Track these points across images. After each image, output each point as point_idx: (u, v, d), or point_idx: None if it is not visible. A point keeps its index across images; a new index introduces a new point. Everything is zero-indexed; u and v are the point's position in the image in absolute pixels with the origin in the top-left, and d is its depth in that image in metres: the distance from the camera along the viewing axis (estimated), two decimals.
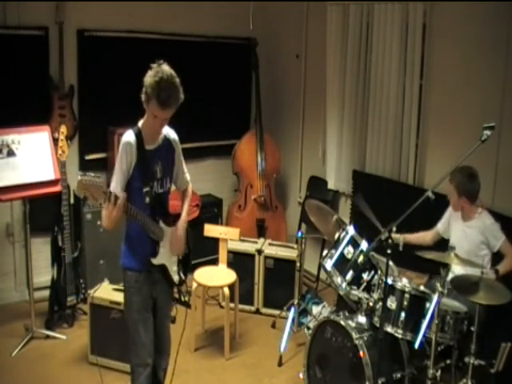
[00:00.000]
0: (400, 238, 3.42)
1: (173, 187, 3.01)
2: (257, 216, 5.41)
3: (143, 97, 2.61)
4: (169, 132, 2.86)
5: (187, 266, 3.09)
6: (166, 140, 2.83)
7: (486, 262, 3.29)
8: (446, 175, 3.06)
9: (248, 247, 4.70)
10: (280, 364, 3.95)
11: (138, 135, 2.69)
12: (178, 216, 2.98)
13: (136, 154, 2.67)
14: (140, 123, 2.74)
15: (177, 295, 4.36)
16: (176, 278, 2.97)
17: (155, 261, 2.80)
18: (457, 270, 3.32)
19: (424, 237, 3.70)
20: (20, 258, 4.60)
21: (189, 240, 3.07)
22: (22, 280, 4.65)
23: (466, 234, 3.37)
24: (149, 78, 2.56)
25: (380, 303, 3.09)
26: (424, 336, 3.01)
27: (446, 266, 3.04)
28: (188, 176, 3.08)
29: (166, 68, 2.58)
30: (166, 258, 2.88)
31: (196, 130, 5.44)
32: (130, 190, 2.69)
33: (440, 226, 3.64)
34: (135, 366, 2.88)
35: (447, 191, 3.37)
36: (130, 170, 2.68)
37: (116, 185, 2.65)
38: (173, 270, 2.95)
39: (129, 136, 2.68)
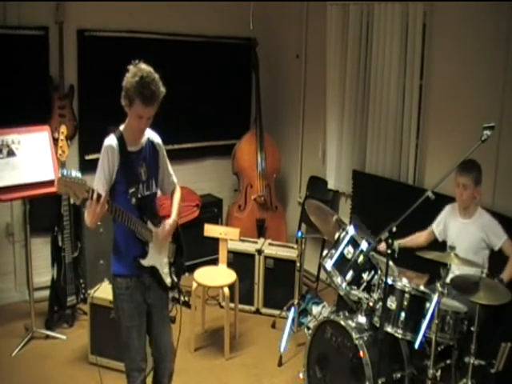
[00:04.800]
0: (395, 245, 3.44)
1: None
2: (257, 216, 5.42)
3: (124, 101, 2.61)
4: (152, 135, 2.85)
5: (180, 268, 3.02)
6: (150, 142, 2.82)
7: (484, 261, 3.29)
8: (446, 175, 3.05)
9: (248, 247, 4.70)
10: (280, 364, 3.95)
11: (120, 138, 2.68)
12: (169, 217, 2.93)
13: (118, 156, 2.66)
14: (122, 127, 2.73)
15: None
16: (168, 280, 2.91)
17: (145, 262, 2.76)
18: (454, 270, 3.32)
19: (417, 238, 3.67)
20: (20, 258, 4.60)
21: (181, 241, 3.03)
22: (22, 280, 4.65)
23: (466, 231, 3.38)
24: (128, 79, 2.57)
25: (380, 303, 3.09)
26: (424, 336, 3.01)
27: (446, 266, 3.04)
28: (175, 178, 3.03)
29: (143, 66, 2.59)
30: (156, 259, 2.83)
31: (196, 130, 5.45)
32: (116, 194, 2.68)
33: (435, 226, 3.62)
34: (130, 371, 2.85)
35: (459, 185, 3.33)
36: (112, 174, 2.66)
37: (97, 185, 2.63)
38: (164, 272, 2.89)
39: (110, 140, 2.68)
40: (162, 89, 2.63)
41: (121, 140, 2.68)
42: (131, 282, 2.77)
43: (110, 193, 2.65)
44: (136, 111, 2.60)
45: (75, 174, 2.39)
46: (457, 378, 3.08)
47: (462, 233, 3.39)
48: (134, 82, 2.54)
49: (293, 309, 4.13)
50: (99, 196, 2.46)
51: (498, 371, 2.94)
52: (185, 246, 3.06)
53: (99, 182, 2.64)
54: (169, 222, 2.87)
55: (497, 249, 3.32)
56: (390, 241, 2.86)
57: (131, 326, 2.79)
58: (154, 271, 2.83)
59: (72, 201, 4.29)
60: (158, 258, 2.85)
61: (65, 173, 2.36)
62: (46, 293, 4.30)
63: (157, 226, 2.83)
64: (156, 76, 2.61)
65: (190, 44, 5.30)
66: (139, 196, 2.73)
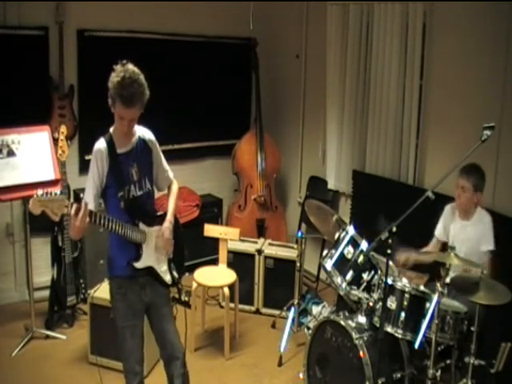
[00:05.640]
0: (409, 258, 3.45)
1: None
2: (257, 216, 5.41)
3: (109, 101, 2.59)
4: (144, 132, 2.80)
5: (181, 263, 2.98)
6: (141, 140, 2.77)
7: (485, 258, 3.29)
8: (446, 175, 3.04)
9: (248, 247, 4.70)
10: (280, 364, 3.95)
11: (109, 141, 2.66)
12: (166, 214, 2.89)
13: (108, 159, 2.64)
14: (111, 128, 2.72)
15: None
16: (168, 277, 2.86)
17: (138, 264, 2.72)
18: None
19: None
20: (20, 258, 4.61)
21: (180, 237, 2.97)
22: (22, 280, 4.65)
23: (465, 233, 3.37)
24: (112, 78, 2.55)
25: (380, 303, 3.09)
26: (424, 336, 3.01)
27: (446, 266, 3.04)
28: (171, 174, 2.99)
29: (129, 67, 2.56)
30: (152, 259, 2.79)
31: (196, 130, 5.46)
32: (107, 197, 2.67)
33: (437, 233, 3.61)
34: (126, 372, 2.83)
35: (458, 187, 3.33)
36: (103, 178, 2.64)
37: (87, 194, 2.63)
38: (162, 270, 2.84)
39: (99, 143, 2.67)
40: (146, 91, 2.57)
41: (110, 142, 2.66)
42: (125, 282, 2.75)
43: (102, 198, 2.67)
44: (117, 112, 2.59)
45: (53, 192, 2.35)
46: (457, 378, 3.08)
47: (462, 235, 3.39)
48: (115, 82, 2.52)
49: (293, 309, 4.13)
50: (78, 209, 2.40)
51: (498, 371, 2.94)
52: (184, 241, 3.02)
53: (89, 191, 2.64)
54: (165, 227, 2.82)
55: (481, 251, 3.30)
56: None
57: (124, 327, 2.77)
58: (150, 271, 2.80)
59: (72, 200, 4.28)
60: (155, 258, 2.81)
61: (39, 193, 2.32)
62: (46, 293, 4.30)
63: (151, 225, 2.79)
64: (140, 77, 2.56)
65: (190, 44, 5.30)
66: (131, 197, 2.69)
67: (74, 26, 4.61)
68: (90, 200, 2.59)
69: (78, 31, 4.65)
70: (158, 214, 2.90)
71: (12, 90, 4.34)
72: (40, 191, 2.32)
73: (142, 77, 2.57)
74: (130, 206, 2.69)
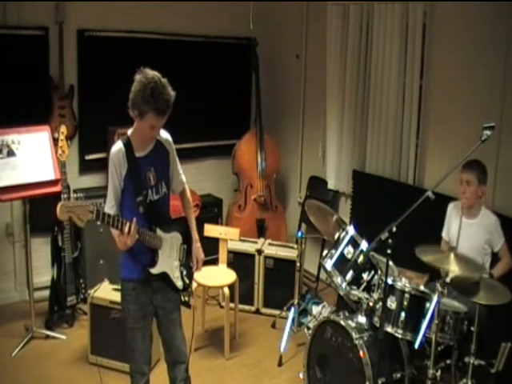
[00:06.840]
0: None
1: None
2: (257, 216, 5.41)
3: (133, 112, 2.52)
4: (160, 133, 2.74)
5: (191, 269, 2.99)
6: (158, 143, 2.73)
7: (486, 263, 3.29)
8: (447, 175, 3.04)
9: (248, 247, 4.70)
10: (280, 364, 3.95)
11: (127, 144, 2.62)
12: (179, 219, 2.91)
13: (126, 163, 2.61)
14: (129, 132, 2.67)
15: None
16: (180, 283, 2.86)
17: (154, 270, 2.72)
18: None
19: None
20: (20, 258, 4.60)
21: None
22: (22, 280, 4.65)
23: (469, 232, 3.36)
24: (138, 93, 2.47)
25: (380, 303, 3.09)
26: (424, 336, 3.01)
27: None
28: (184, 178, 2.96)
29: (150, 74, 2.50)
30: (166, 265, 2.79)
31: (196, 130, 5.45)
32: (123, 202, 2.66)
33: (444, 233, 3.59)
34: (133, 372, 2.83)
35: (463, 182, 3.33)
36: (121, 183, 2.63)
37: (108, 199, 2.65)
38: (175, 276, 2.84)
39: (116, 147, 2.63)
40: (173, 92, 2.54)
41: (128, 146, 2.62)
42: (138, 285, 2.74)
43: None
44: (148, 122, 2.53)
45: (78, 198, 2.41)
46: (457, 378, 3.08)
47: (466, 234, 3.38)
48: (146, 97, 2.45)
49: (293, 309, 4.13)
50: (130, 227, 2.49)
51: (498, 371, 2.93)
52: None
53: (110, 197, 2.65)
54: (198, 247, 2.96)
55: (496, 250, 3.32)
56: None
57: (135, 328, 2.77)
58: (164, 276, 2.79)
59: (72, 201, 4.28)
60: (169, 263, 2.81)
61: (67, 201, 2.36)
62: (46, 293, 4.30)
63: (167, 231, 2.78)
64: (164, 82, 2.51)
65: (190, 44, 5.30)
66: (148, 202, 2.67)
67: (73, 25, 4.61)
68: (111, 205, 2.63)
69: (78, 31, 4.65)
70: (173, 218, 2.91)
71: (12, 90, 4.34)
72: (64, 198, 2.36)
73: (164, 80, 2.53)
74: (147, 210, 2.67)
